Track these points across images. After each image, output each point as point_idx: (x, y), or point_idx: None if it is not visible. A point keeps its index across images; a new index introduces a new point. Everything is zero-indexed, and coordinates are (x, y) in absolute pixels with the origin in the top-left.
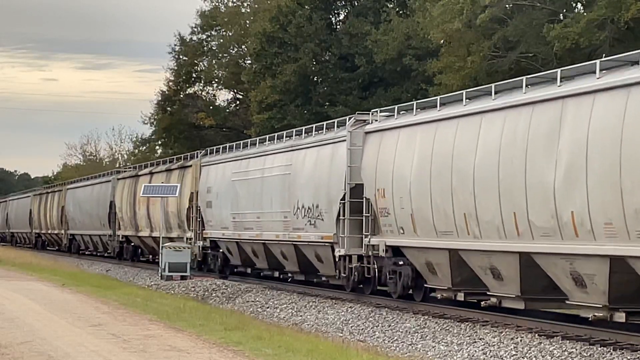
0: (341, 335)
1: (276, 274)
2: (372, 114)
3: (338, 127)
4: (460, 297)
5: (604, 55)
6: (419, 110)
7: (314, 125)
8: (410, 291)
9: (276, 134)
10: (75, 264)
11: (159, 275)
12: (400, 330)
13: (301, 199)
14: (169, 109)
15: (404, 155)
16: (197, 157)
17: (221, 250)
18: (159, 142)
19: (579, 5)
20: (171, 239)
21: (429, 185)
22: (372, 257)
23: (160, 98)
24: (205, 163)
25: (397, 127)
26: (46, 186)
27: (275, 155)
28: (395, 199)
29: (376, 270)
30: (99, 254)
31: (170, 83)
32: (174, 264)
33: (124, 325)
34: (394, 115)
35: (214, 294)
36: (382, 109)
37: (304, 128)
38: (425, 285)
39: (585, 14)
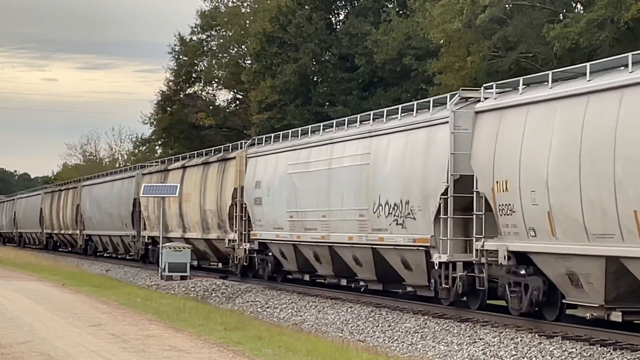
0: (341, 335)
1: (343, 282)
2: (483, 89)
3: (434, 106)
4: (616, 317)
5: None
6: (555, 82)
7: (399, 107)
8: (537, 308)
9: (346, 119)
10: (75, 264)
11: (159, 275)
12: (400, 330)
13: (384, 194)
14: (169, 109)
15: (537, 138)
16: (241, 147)
17: (272, 254)
18: (159, 142)
19: (579, 5)
20: (208, 241)
21: (577, 175)
22: (485, 265)
23: (160, 98)
24: (252, 154)
25: (524, 104)
26: (59, 183)
27: (346, 142)
28: (524, 193)
29: (486, 280)
30: (119, 256)
31: (170, 83)
32: (174, 264)
33: (123, 325)
34: (516, 89)
35: (214, 294)
36: (497, 82)
37: (385, 110)
38: (564, 301)
39: (585, 14)
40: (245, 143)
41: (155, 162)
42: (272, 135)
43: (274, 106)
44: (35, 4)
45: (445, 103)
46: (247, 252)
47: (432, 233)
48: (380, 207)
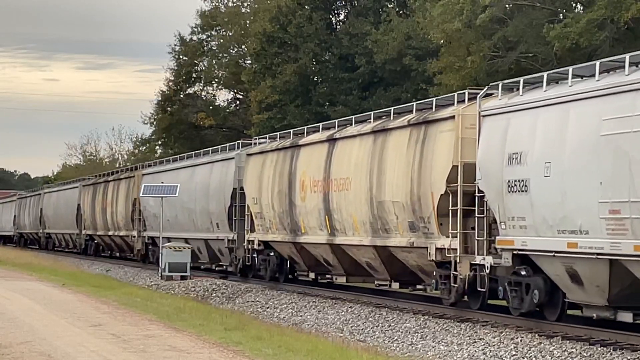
0: (341, 335)
1: None
2: None
3: None
4: None
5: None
6: None
7: None
8: None
9: None
10: (75, 264)
11: (159, 275)
12: (400, 330)
13: None
14: (169, 109)
15: None
16: (460, 101)
17: (541, 275)
18: (159, 142)
19: (579, 5)
20: (383, 250)
21: None
22: None
23: (160, 98)
24: (495, 109)
25: None
26: (104, 172)
27: None
28: None
29: None
30: (202, 266)
31: (170, 83)
32: (174, 264)
33: (124, 325)
34: None
35: (214, 294)
36: None
37: None
38: None
39: (585, 14)
40: (478, 95)
41: (271, 137)
42: (545, 74)
43: (274, 106)
44: (35, 4)
45: None
46: (487, 269)
47: None
48: None
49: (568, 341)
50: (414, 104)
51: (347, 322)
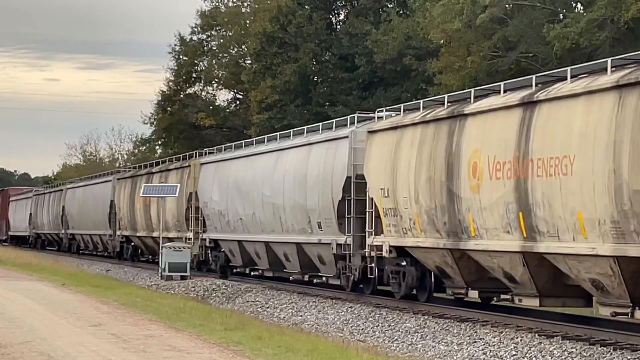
0: (341, 335)
1: None
2: None
3: None
4: None
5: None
6: None
7: None
8: None
9: None
10: (75, 264)
11: (159, 275)
12: (400, 330)
13: None
14: (169, 109)
15: None
16: None
17: None
18: (159, 142)
19: (579, 5)
20: (625, 264)
21: None
22: None
23: (160, 98)
24: None
25: None
26: (143, 164)
27: None
28: None
29: None
30: (290, 277)
31: (170, 83)
32: (174, 264)
33: (124, 325)
34: None
35: (214, 294)
36: None
37: None
38: None
39: (585, 14)
40: None
41: (407, 108)
42: None
43: (274, 106)
44: (35, 4)
45: None
46: None
47: None
48: None
49: (568, 341)
50: None
51: (347, 322)
